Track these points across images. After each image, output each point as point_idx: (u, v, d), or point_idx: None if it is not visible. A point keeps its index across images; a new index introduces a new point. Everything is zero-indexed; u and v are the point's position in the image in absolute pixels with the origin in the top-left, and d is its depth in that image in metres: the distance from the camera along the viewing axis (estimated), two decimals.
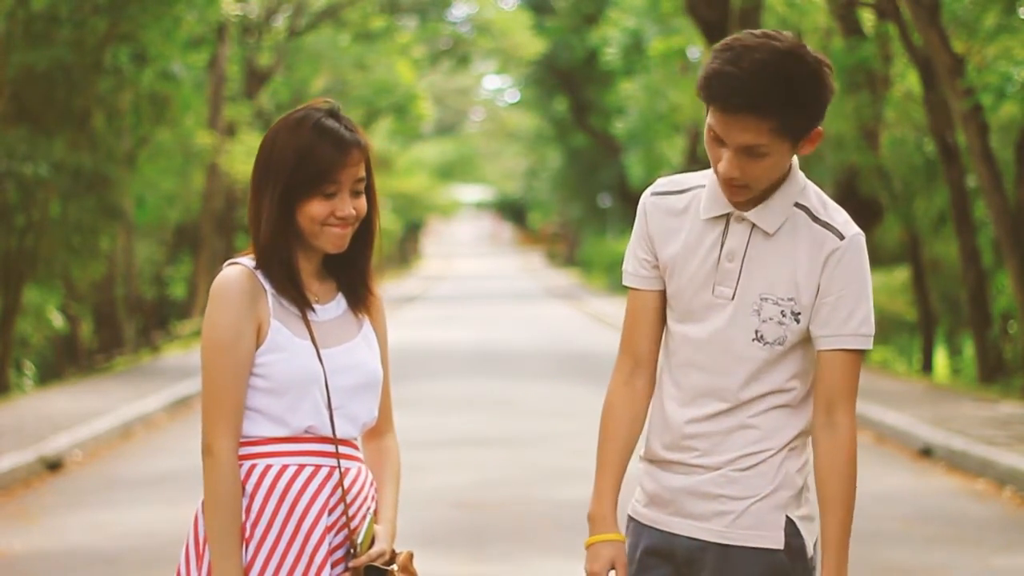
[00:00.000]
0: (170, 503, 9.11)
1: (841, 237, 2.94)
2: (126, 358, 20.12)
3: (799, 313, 2.95)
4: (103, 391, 15.02)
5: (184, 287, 24.55)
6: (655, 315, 3.11)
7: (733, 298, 2.98)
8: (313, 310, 3.08)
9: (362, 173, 3.07)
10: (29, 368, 17.19)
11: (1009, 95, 13.75)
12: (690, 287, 3.02)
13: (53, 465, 10.60)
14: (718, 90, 2.85)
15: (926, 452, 10.96)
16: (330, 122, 3.05)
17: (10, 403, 13.92)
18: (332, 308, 3.14)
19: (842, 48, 17.78)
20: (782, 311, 2.95)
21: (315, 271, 3.13)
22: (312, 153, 3.01)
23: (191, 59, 19.26)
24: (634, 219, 3.15)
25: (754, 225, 2.98)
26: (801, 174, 3.02)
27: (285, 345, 3.03)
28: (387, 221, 53.08)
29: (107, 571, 7.43)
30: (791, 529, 2.98)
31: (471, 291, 45.11)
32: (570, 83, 47.95)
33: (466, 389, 16.21)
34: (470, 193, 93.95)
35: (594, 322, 30.10)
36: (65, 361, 18.73)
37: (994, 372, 15.52)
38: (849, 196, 20.16)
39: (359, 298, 3.16)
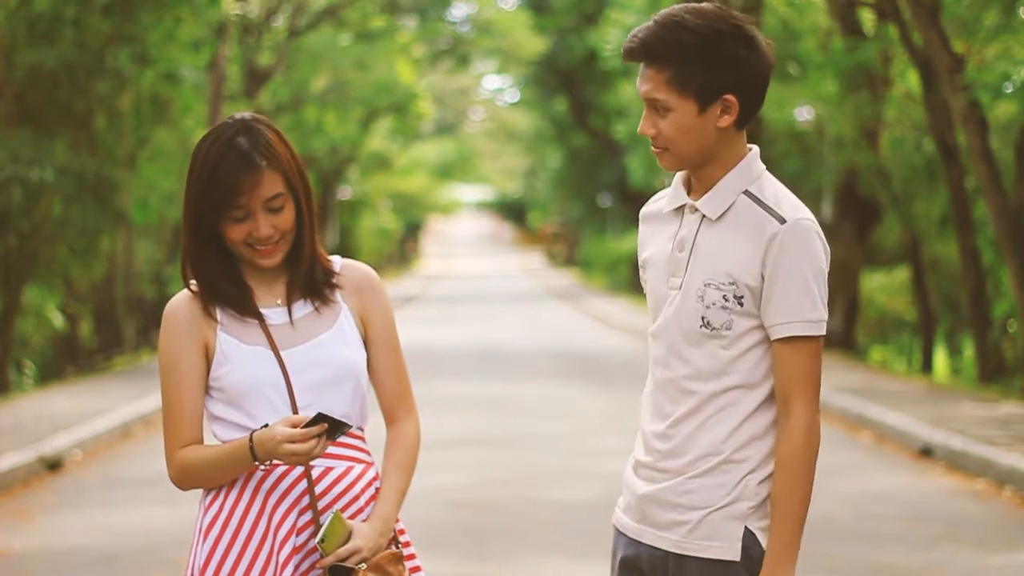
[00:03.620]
0: (170, 503, 9.11)
1: (782, 221, 2.90)
2: (126, 358, 20.13)
3: (742, 296, 2.90)
4: (103, 391, 15.03)
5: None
6: None
7: (680, 287, 2.97)
8: (262, 316, 3.10)
9: (276, 190, 3.03)
10: (29, 368, 17.19)
11: (1007, 94, 13.75)
12: (657, 283, 3.03)
13: (53, 465, 10.60)
14: (625, 41, 2.95)
15: (926, 452, 10.95)
16: (240, 140, 3.02)
17: (10, 403, 13.92)
18: (299, 308, 3.14)
19: (842, 48, 17.77)
20: (724, 295, 2.91)
21: (274, 275, 3.14)
22: (215, 177, 3.00)
23: (192, 59, 19.24)
24: (633, 219, 3.18)
25: (703, 214, 2.97)
26: (760, 167, 2.99)
27: (232, 356, 3.07)
28: (387, 221, 53.06)
29: (107, 571, 7.43)
30: (750, 540, 2.93)
31: (471, 291, 45.11)
32: (570, 83, 47.94)
33: (466, 389, 16.21)
34: (470, 193, 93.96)
35: (594, 322, 30.10)
36: (65, 361, 18.72)
37: (994, 372, 15.53)
38: (849, 196, 20.17)
39: (315, 296, 3.15)
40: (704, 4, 2.94)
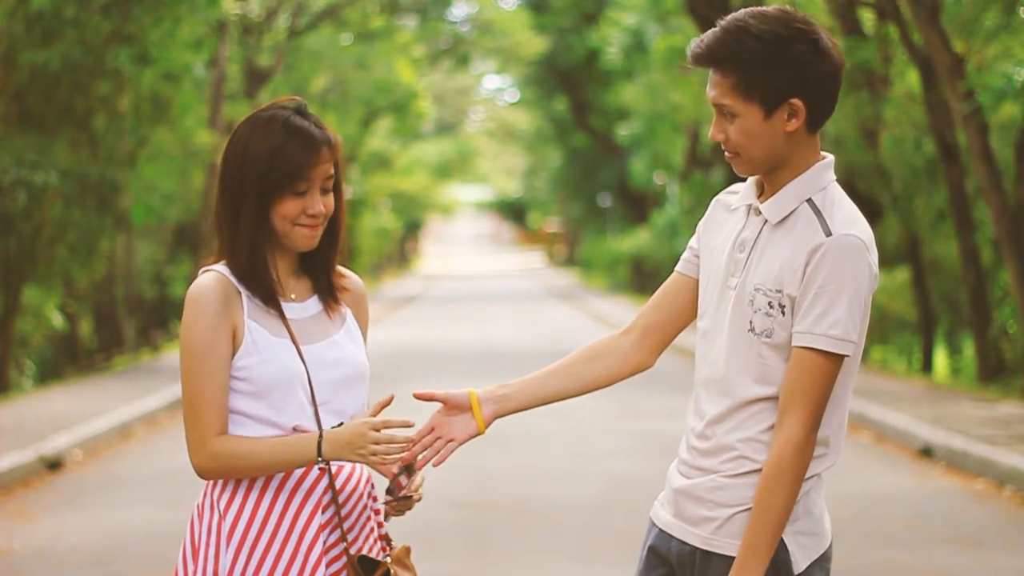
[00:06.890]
0: (170, 503, 9.11)
1: (828, 234, 2.89)
2: (126, 357, 20.13)
3: (784, 306, 2.91)
4: (103, 391, 15.03)
5: (184, 287, 24.53)
6: (676, 295, 3.15)
7: (736, 288, 2.98)
8: (282, 309, 3.09)
9: (332, 170, 3.08)
10: (29, 367, 17.20)
11: (1009, 96, 13.74)
12: (713, 278, 3.04)
13: (53, 465, 10.60)
14: (692, 46, 2.96)
15: (926, 452, 10.96)
16: (299, 120, 3.05)
17: (10, 402, 13.92)
18: (312, 305, 3.15)
19: (842, 48, 17.76)
20: (769, 302, 2.92)
21: (292, 269, 3.15)
22: (283, 153, 3.01)
23: (193, 59, 19.25)
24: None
25: (765, 218, 2.99)
26: (829, 177, 3.00)
27: (263, 347, 3.04)
28: (387, 220, 53.05)
29: (107, 571, 7.43)
30: (778, 543, 2.93)
31: (471, 291, 45.13)
32: (570, 83, 47.95)
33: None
34: (470, 192, 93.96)
35: (594, 322, 30.09)
36: (65, 360, 18.73)
37: (994, 372, 15.52)
38: (849, 196, 20.13)
39: (329, 295, 3.17)
40: (769, 8, 2.94)
